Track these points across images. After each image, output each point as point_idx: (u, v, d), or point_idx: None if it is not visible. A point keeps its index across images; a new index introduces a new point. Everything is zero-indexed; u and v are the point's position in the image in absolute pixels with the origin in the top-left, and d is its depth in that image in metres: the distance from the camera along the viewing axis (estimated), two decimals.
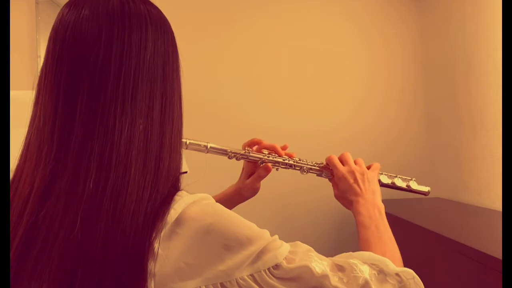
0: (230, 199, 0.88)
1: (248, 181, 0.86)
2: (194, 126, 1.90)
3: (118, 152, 0.46)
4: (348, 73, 2.32)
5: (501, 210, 1.68)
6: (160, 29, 0.52)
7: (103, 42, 0.48)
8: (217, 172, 1.53)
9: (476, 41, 1.88)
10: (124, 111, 0.48)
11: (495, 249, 1.12)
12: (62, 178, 0.46)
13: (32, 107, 0.51)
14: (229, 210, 0.51)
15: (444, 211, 1.92)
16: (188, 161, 1.23)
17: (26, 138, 0.51)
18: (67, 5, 0.51)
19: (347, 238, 2.14)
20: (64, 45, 0.48)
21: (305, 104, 2.27)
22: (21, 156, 0.51)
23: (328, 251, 0.66)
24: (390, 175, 0.87)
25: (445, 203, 2.06)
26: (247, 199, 0.88)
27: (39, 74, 0.51)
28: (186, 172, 1.20)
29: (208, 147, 0.77)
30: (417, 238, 1.51)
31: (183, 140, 0.74)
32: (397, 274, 0.56)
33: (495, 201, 1.76)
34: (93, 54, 0.47)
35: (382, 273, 0.55)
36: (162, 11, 0.55)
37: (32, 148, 0.49)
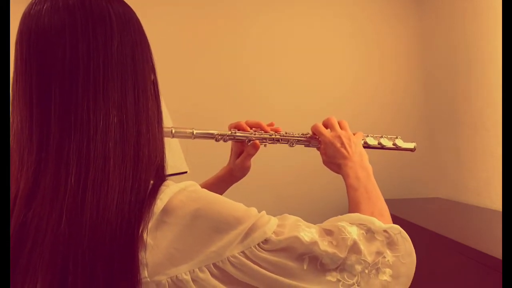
0: (223, 181, 0.89)
1: (238, 161, 0.87)
2: (202, 114, 1.91)
3: (95, 145, 0.47)
4: (348, 73, 2.32)
5: (501, 210, 1.68)
6: (124, 19, 0.52)
7: (68, 39, 0.48)
8: (207, 157, 1.54)
9: (476, 41, 1.88)
10: (97, 105, 0.48)
11: (495, 249, 1.12)
12: (45, 178, 0.47)
13: (10, 114, 0.51)
14: (214, 194, 0.52)
15: (444, 211, 1.91)
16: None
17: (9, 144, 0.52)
18: (28, 6, 0.51)
19: None
20: (30, 47, 0.49)
21: (305, 106, 2.27)
22: None
23: None
24: (376, 136, 0.88)
25: (445, 203, 2.06)
26: (239, 179, 0.89)
27: (12, 79, 0.51)
28: (186, 172, 1.20)
29: (194, 133, 0.77)
30: (417, 238, 1.51)
31: (168, 129, 0.74)
32: (384, 231, 0.57)
33: (495, 201, 1.76)
34: (59, 53, 0.48)
35: (370, 232, 0.56)
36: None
37: (14, 154, 0.50)
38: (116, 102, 0.49)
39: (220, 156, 1.25)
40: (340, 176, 0.79)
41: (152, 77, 0.55)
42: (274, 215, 0.54)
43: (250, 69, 2.26)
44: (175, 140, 1.14)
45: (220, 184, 0.89)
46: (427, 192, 2.27)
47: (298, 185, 2.23)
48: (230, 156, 0.89)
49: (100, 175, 0.46)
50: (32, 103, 0.48)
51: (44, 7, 0.49)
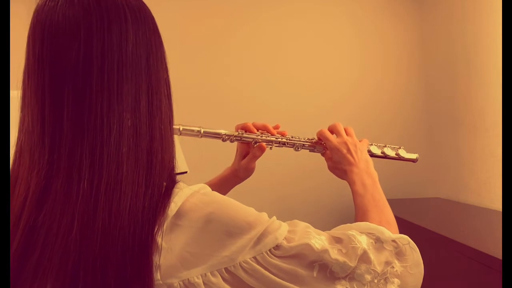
0: (227, 182, 0.89)
1: (243, 162, 0.86)
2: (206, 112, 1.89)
3: (108, 150, 0.46)
4: (347, 72, 2.32)
5: (501, 210, 1.68)
6: (140, 17, 0.51)
7: (82, 38, 0.46)
8: (212, 156, 1.54)
9: (476, 41, 1.88)
10: (111, 108, 0.47)
11: (495, 249, 1.12)
12: (57, 180, 0.46)
13: (19, 110, 0.50)
14: (226, 197, 0.52)
15: (444, 211, 1.92)
16: (182, 147, 1.22)
17: (18, 142, 0.51)
18: (42, 0, 0.50)
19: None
20: (44, 45, 0.47)
21: (305, 108, 2.27)
22: (14, 160, 0.51)
23: None
24: (380, 145, 0.89)
25: (445, 203, 2.06)
26: (243, 180, 0.89)
27: (22, 75, 0.50)
28: (186, 172, 1.20)
29: (202, 131, 0.77)
30: (417, 238, 1.51)
31: (176, 126, 0.73)
32: (393, 241, 0.57)
33: (495, 201, 1.76)
34: (73, 52, 0.46)
35: (379, 241, 0.56)
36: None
37: (25, 153, 0.49)
38: (129, 106, 0.48)
39: (218, 155, 1.26)
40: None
41: (165, 76, 0.54)
42: (275, 215, 0.54)
43: (250, 69, 2.26)
44: (176, 139, 1.14)
45: (224, 184, 0.89)
46: (427, 192, 2.27)
47: (297, 185, 2.23)
48: (235, 157, 0.89)
49: (113, 181, 0.46)
50: (44, 103, 0.47)
51: (59, 3, 0.48)
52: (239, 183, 0.90)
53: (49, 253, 0.44)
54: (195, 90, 2.18)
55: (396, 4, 2.36)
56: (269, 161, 0.85)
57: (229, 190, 0.90)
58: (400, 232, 0.66)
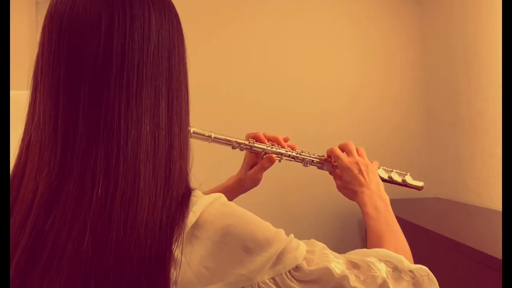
0: (232, 191, 0.87)
1: (250, 172, 0.84)
2: (207, 116, 1.89)
3: (125, 157, 0.43)
4: (348, 72, 2.32)
5: (501, 210, 1.68)
6: (164, 14, 0.48)
7: (103, 32, 0.43)
8: (217, 162, 1.53)
9: (476, 41, 1.88)
10: (129, 110, 0.44)
11: (495, 249, 1.12)
12: (69, 183, 0.43)
13: (28, 104, 0.47)
14: (244, 209, 0.50)
15: (444, 211, 1.92)
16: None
17: (25, 137, 0.47)
18: None
19: (348, 237, 2.15)
20: (61, 37, 0.44)
21: (305, 108, 2.27)
22: (20, 156, 0.48)
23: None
24: (387, 170, 0.89)
25: (445, 203, 2.06)
26: (248, 190, 0.87)
27: (33, 65, 0.47)
28: None
29: (212, 136, 0.75)
30: (417, 238, 1.51)
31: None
32: (410, 271, 0.55)
33: (495, 201, 1.76)
34: (92, 46, 0.43)
35: (397, 270, 0.54)
36: (178, 12, 0.51)
37: (33, 150, 0.45)
38: (148, 109, 0.45)
39: (220, 162, 1.24)
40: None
41: (185, 79, 0.52)
42: (276, 219, 0.53)
43: (249, 69, 2.25)
44: None
45: (228, 193, 0.85)
46: (427, 192, 2.27)
47: (299, 191, 2.21)
48: (242, 166, 0.87)
49: (130, 191, 0.42)
50: (59, 98, 0.44)
51: None
52: (243, 192, 0.87)
53: (58, 261, 0.41)
54: (194, 90, 2.17)
55: (396, 4, 2.36)
56: (271, 167, 0.84)
57: (233, 200, 0.87)
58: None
